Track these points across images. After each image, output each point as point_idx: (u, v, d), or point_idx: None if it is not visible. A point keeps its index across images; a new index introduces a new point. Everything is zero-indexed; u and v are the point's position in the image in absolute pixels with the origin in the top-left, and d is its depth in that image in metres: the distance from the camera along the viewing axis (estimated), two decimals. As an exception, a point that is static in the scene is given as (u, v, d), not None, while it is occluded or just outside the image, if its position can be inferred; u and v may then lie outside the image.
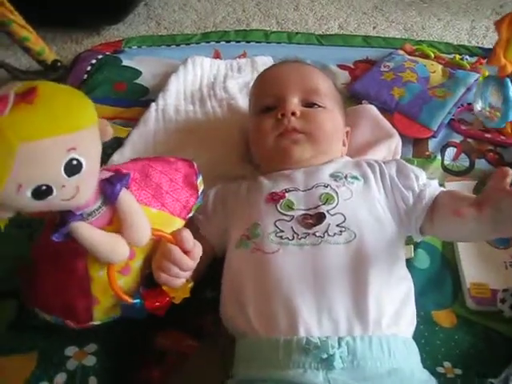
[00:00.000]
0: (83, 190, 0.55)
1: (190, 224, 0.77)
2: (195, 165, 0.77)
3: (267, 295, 0.63)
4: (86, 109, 0.55)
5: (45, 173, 0.50)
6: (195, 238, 0.74)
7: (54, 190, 0.51)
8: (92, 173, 0.56)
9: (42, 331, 0.72)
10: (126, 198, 0.59)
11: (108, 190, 0.58)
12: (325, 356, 0.58)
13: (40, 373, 0.68)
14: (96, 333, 0.72)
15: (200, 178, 0.75)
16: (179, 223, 0.70)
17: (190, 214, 0.72)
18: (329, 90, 0.87)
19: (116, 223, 0.59)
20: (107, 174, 0.61)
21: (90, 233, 0.57)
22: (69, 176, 0.52)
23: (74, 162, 0.52)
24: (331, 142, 0.82)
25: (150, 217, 0.63)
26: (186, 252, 0.63)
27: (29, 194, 0.50)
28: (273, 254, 0.66)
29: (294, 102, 0.81)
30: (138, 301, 0.63)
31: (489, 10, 1.74)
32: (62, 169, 0.51)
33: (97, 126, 0.55)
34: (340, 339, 0.59)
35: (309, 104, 0.82)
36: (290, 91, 0.82)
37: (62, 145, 0.51)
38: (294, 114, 0.79)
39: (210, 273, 0.75)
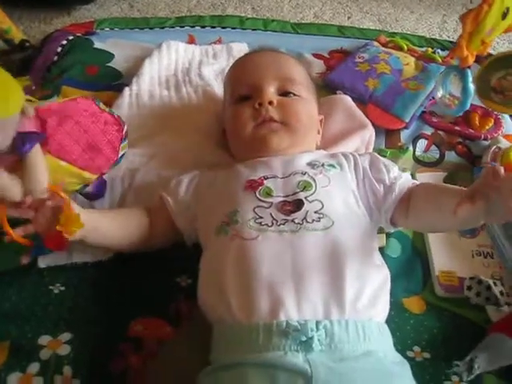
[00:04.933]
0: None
1: (160, 203, 0.79)
2: (124, 129, 0.81)
3: (248, 282, 0.63)
4: (16, 95, 0.64)
5: None
6: (162, 216, 0.78)
7: None
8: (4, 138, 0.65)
9: (14, 320, 0.71)
10: (32, 157, 0.66)
11: (18, 147, 0.65)
12: (304, 339, 0.59)
13: (12, 363, 0.67)
14: (70, 321, 0.71)
15: (125, 143, 0.82)
16: (88, 176, 0.77)
17: (106, 171, 0.81)
18: (303, 78, 0.88)
19: (19, 170, 0.67)
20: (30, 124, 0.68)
21: None
22: None
23: None
24: (307, 131, 0.83)
25: (55, 168, 0.70)
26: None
27: None
28: (252, 241, 0.66)
29: (271, 91, 0.81)
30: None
31: (459, 5, 1.78)
32: None
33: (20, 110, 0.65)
34: (318, 323, 0.60)
35: (284, 93, 0.83)
36: (266, 80, 0.82)
37: None
38: (270, 103, 0.80)
39: (186, 262, 0.75)
